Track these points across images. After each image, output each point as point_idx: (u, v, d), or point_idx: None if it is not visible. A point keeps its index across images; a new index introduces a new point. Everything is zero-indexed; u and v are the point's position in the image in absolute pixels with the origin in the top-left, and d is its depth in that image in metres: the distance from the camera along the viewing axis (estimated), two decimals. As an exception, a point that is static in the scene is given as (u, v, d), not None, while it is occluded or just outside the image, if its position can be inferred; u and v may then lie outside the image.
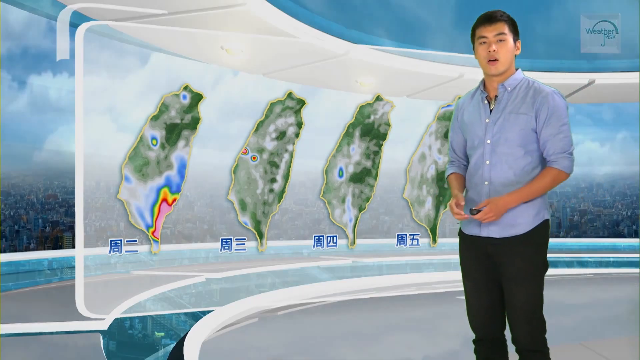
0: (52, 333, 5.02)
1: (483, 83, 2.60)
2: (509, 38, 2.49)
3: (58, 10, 6.79)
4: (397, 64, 7.37)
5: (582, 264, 10.14)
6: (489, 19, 2.49)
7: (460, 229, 2.64)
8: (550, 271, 8.50)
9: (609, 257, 10.51)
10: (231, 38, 6.10)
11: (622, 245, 12.10)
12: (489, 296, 2.56)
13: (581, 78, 8.34)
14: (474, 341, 2.66)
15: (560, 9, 9.58)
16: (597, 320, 5.87)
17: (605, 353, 4.20)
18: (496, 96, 2.54)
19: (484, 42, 2.49)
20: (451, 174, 2.74)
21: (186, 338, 4.67)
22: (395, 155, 7.24)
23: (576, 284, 8.09)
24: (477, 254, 2.56)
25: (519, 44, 2.53)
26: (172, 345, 4.58)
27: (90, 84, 5.53)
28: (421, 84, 8.26)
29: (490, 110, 2.53)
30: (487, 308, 2.58)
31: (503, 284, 2.51)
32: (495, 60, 2.48)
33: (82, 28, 5.42)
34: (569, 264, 10.02)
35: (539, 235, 2.48)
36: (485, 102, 2.56)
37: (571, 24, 8.49)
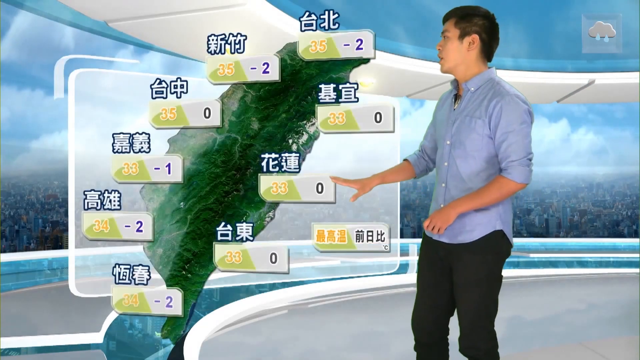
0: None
1: (456, 81, 2.53)
2: (453, 35, 2.41)
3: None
4: (397, 64, 7.37)
5: (582, 264, 10.14)
6: (444, 17, 2.47)
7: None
8: (551, 271, 8.47)
9: (609, 257, 10.50)
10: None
11: (622, 245, 12.09)
12: (435, 300, 2.53)
13: (581, 78, 8.34)
14: (415, 340, 2.63)
15: (562, 9, 9.58)
16: (597, 320, 5.87)
17: (605, 353, 4.20)
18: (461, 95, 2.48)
19: None
20: (404, 159, 2.72)
21: (186, 338, 4.67)
22: (395, 155, 7.24)
23: (576, 284, 8.09)
24: (430, 256, 2.54)
25: (472, 39, 2.40)
26: (172, 345, 4.58)
27: (88, 82, 5.53)
28: (421, 84, 8.27)
29: (454, 110, 2.47)
30: (430, 311, 2.55)
31: (453, 289, 2.48)
32: (441, 58, 2.45)
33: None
34: (569, 264, 10.02)
35: (488, 245, 2.39)
36: (453, 100, 2.51)
37: (572, 23, 8.48)
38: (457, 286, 2.46)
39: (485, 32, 2.42)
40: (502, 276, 2.47)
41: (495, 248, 2.41)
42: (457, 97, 2.51)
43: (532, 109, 2.38)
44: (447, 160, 2.45)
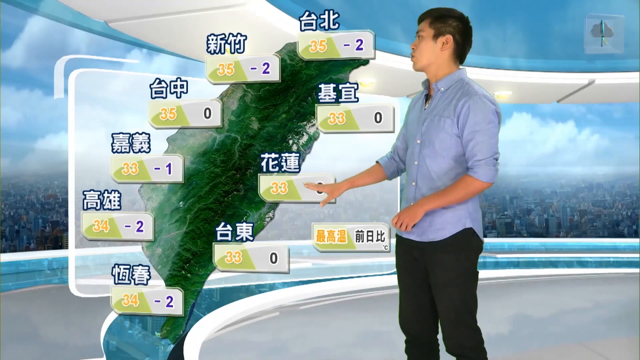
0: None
1: (428, 81, 2.55)
2: (427, 35, 2.44)
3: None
4: (397, 64, 7.37)
5: (582, 264, 10.14)
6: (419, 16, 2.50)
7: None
8: (551, 271, 8.42)
9: (609, 257, 10.51)
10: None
11: (622, 245, 12.10)
12: (417, 299, 2.54)
13: (581, 78, 8.34)
14: (405, 341, 2.64)
15: (561, 9, 9.58)
16: (597, 320, 5.87)
17: (605, 353, 4.20)
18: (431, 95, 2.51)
19: None
20: (376, 162, 2.73)
21: (186, 338, 4.67)
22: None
23: (576, 284, 8.09)
24: (405, 256, 2.54)
25: (446, 40, 2.43)
26: (172, 345, 4.58)
27: (87, 82, 5.53)
28: (421, 84, 8.27)
29: (425, 110, 2.50)
30: (415, 311, 2.55)
31: (432, 289, 2.49)
32: (413, 56, 2.48)
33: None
34: (569, 264, 10.02)
35: (459, 243, 2.41)
36: (424, 100, 2.53)
37: (571, 23, 8.48)
38: (434, 287, 2.46)
39: (459, 33, 2.45)
40: (477, 272, 2.48)
41: (466, 246, 2.43)
42: (427, 97, 2.54)
43: (499, 110, 2.41)
44: (417, 159, 2.47)
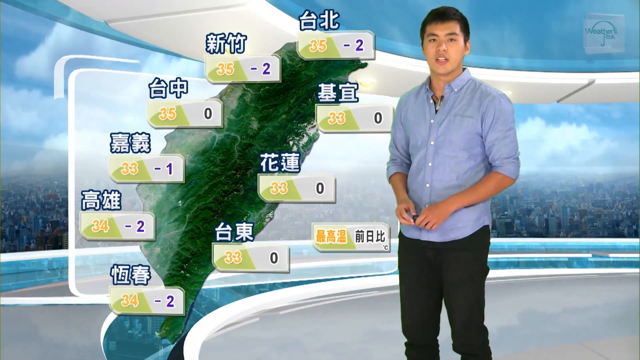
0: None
1: (429, 81, 2.53)
2: (460, 38, 2.42)
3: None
4: (397, 64, 7.37)
5: (582, 264, 10.14)
6: (441, 16, 2.42)
7: (400, 231, 2.58)
8: (551, 271, 8.42)
9: (609, 257, 10.51)
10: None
11: (622, 245, 12.10)
12: (424, 301, 2.53)
13: (581, 78, 8.34)
14: (406, 344, 2.63)
15: (560, 8, 9.59)
16: (597, 320, 5.87)
17: (605, 353, 4.20)
18: (442, 96, 2.48)
19: (434, 40, 2.42)
20: (394, 174, 2.64)
21: (186, 338, 4.67)
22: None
23: (576, 284, 8.09)
24: (416, 258, 2.51)
25: (468, 45, 2.47)
26: (172, 346, 4.58)
27: (88, 82, 5.53)
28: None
29: (436, 111, 2.48)
30: (421, 313, 2.54)
31: (443, 288, 2.49)
32: (445, 59, 2.42)
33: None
34: (569, 264, 10.02)
35: (478, 241, 2.44)
36: (431, 101, 2.49)
37: (571, 23, 8.48)
38: (449, 284, 2.46)
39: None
40: (488, 268, 2.51)
41: (484, 243, 2.48)
42: (433, 98, 2.51)
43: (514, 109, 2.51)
44: (432, 161, 2.46)
